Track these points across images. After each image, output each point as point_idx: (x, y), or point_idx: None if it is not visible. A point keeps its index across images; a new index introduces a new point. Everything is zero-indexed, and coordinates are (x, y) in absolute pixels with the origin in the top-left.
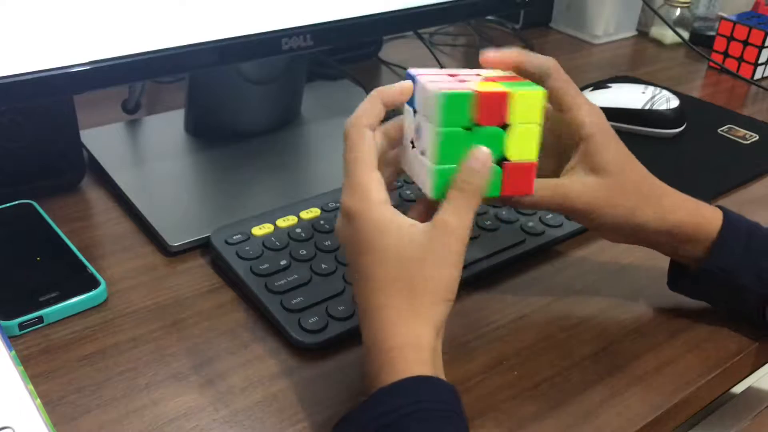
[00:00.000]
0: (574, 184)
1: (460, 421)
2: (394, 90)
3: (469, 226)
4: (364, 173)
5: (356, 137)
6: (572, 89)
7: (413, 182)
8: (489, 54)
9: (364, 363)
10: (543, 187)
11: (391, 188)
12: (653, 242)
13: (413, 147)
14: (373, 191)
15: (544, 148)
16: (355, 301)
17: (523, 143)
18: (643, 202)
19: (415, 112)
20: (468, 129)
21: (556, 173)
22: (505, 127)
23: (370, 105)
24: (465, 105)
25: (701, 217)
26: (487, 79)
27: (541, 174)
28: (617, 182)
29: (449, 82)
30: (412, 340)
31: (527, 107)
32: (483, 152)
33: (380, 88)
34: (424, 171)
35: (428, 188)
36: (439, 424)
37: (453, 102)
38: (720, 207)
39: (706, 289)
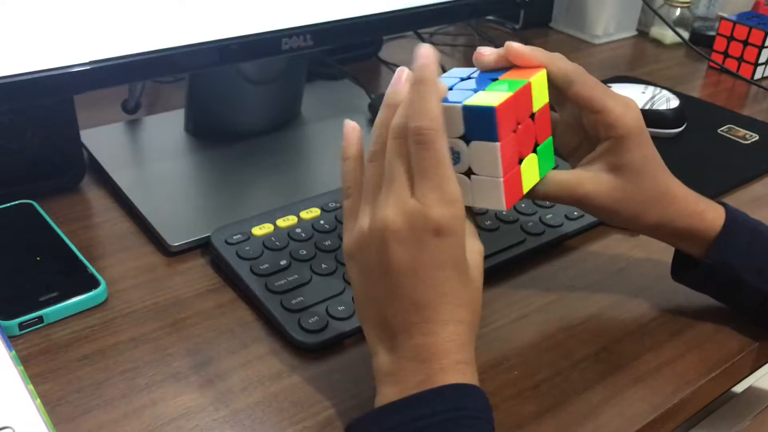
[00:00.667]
0: (588, 181)
1: (490, 428)
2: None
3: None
4: (454, 183)
5: (440, 142)
6: (600, 91)
7: None
8: (516, 47)
9: (400, 371)
10: (556, 180)
11: None
12: (659, 237)
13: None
14: (463, 209)
15: (570, 125)
16: (394, 312)
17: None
18: (653, 206)
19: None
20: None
21: (576, 149)
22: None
23: (437, 100)
24: (510, 114)
25: (703, 222)
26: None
27: (563, 149)
28: (632, 185)
29: (474, 92)
30: (472, 357)
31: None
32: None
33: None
34: (485, 188)
35: (501, 202)
36: (477, 430)
37: (506, 112)
38: (724, 204)
39: (707, 283)
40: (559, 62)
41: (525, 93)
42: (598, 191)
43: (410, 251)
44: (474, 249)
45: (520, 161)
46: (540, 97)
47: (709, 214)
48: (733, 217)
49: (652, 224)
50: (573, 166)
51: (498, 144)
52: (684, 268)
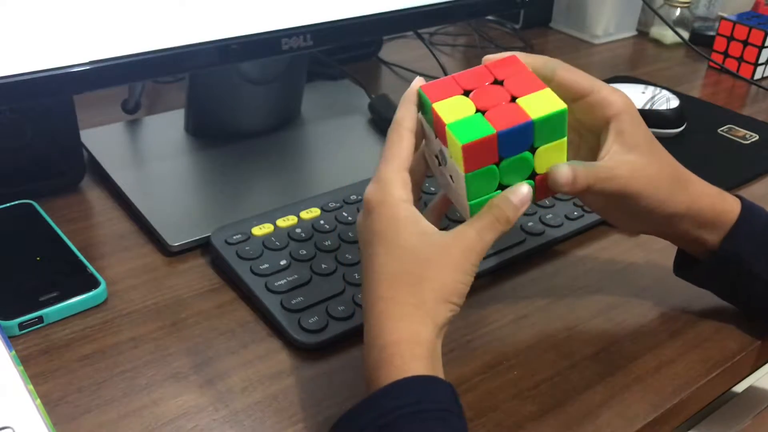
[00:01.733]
0: (621, 168)
1: (457, 420)
2: (414, 89)
3: (488, 246)
4: (390, 169)
5: (395, 137)
6: (585, 75)
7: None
8: (490, 58)
9: (364, 360)
10: (593, 174)
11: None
12: (674, 229)
13: (439, 164)
14: (396, 188)
15: (570, 130)
16: (360, 298)
17: (552, 157)
18: (676, 185)
19: (435, 134)
20: (495, 164)
21: (577, 150)
22: (533, 149)
23: (406, 110)
24: (488, 147)
25: (723, 203)
26: (499, 92)
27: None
28: (653, 162)
29: (462, 107)
30: (410, 335)
31: (552, 127)
32: (524, 191)
33: (407, 93)
34: (459, 199)
35: (466, 214)
36: (434, 425)
37: (475, 149)
38: (738, 196)
39: (715, 277)
40: (534, 60)
41: (516, 132)
42: (632, 172)
43: (360, 232)
44: (431, 227)
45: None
46: (550, 134)
47: (727, 198)
48: (749, 206)
49: (681, 207)
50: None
51: (467, 174)
52: (690, 262)
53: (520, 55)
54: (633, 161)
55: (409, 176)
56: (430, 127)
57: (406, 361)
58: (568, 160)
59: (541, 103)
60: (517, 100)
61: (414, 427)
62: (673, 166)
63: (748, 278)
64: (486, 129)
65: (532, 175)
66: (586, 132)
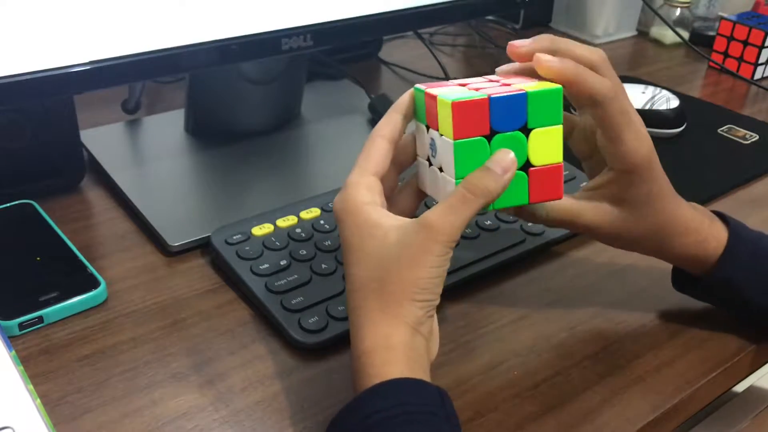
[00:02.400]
0: (589, 212)
1: (438, 421)
2: (405, 98)
3: (459, 229)
4: (354, 175)
5: (367, 144)
6: (619, 121)
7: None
8: (544, 59)
9: None
10: (557, 208)
11: (411, 210)
12: (658, 257)
13: (430, 165)
14: (358, 192)
15: (585, 132)
16: None
17: (547, 146)
18: (653, 236)
19: (428, 128)
20: (486, 137)
21: (590, 157)
22: (526, 131)
23: (389, 119)
24: (478, 112)
25: (707, 249)
26: (503, 85)
27: (577, 152)
28: (633, 218)
29: (460, 91)
30: (380, 341)
31: (547, 107)
32: (507, 157)
33: (397, 102)
34: (444, 187)
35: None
36: (410, 428)
37: (465, 109)
38: (726, 220)
39: (709, 297)
40: (590, 79)
41: (509, 100)
42: (599, 222)
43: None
44: (392, 224)
45: None
46: (544, 116)
47: (711, 243)
48: (735, 232)
49: (652, 251)
50: (585, 172)
51: (454, 141)
52: (685, 281)
53: (575, 66)
54: (607, 212)
55: (375, 179)
56: (423, 122)
57: (377, 368)
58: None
59: (537, 85)
60: (513, 84)
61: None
62: (661, 221)
63: (740, 302)
64: (478, 95)
65: (526, 167)
66: (597, 150)
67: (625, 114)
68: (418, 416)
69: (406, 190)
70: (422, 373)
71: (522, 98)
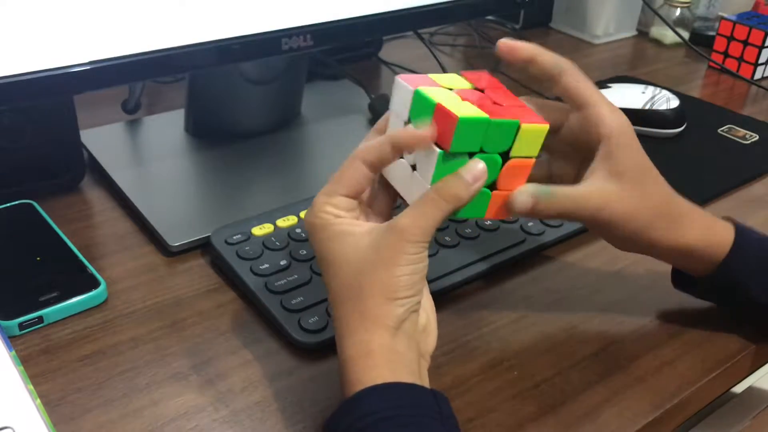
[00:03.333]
0: (592, 194)
1: (422, 420)
2: (407, 135)
3: (429, 229)
4: (322, 192)
5: (345, 163)
6: (590, 86)
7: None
8: (506, 42)
9: None
10: (559, 197)
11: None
12: (661, 257)
13: (402, 157)
14: (324, 208)
15: (564, 154)
16: None
17: (518, 173)
18: (660, 219)
19: (407, 122)
20: (471, 153)
21: (576, 179)
22: (505, 156)
23: (376, 143)
24: (479, 131)
25: (714, 237)
26: (494, 102)
27: (562, 181)
28: (637, 192)
29: (465, 104)
30: (360, 349)
31: (531, 140)
32: (479, 167)
33: (393, 133)
34: (414, 186)
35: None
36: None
37: (469, 127)
38: (732, 221)
39: (711, 296)
40: (548, 55)
41: (505, 127)
42: (606, 200)
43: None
44: (363, 230)
45: None
46: (527, 147)
47: (719, 231)
48: (741, 232)
49: (663, 239)
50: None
51: (437, 153)
52: (686, 280)
53: (534, 47)
54: (611, 190)
55: (345, 199)
56: (408, 118)
57: (359, 374)
58: (566, 173)
59: (527, 115)
60: (503, 104)
61: None
62: (663, 199)
63: (745, 301)
64: (482, 115)
65: (492, 186)
66: (584, 148)
67: (589, 81)
68: (405, 419)
69: (381, 193)
70: (407, 374)
71: (516, 128)
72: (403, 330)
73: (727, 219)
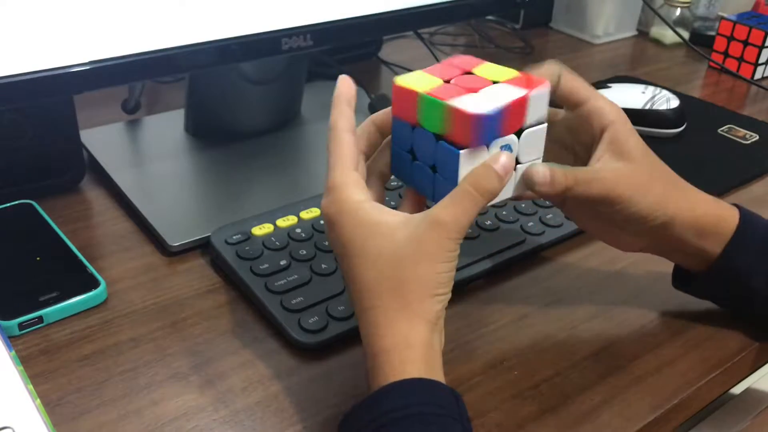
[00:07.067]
0: (606, 171)
1: (452, 423)
2: (344, 88)
3: (466, 226)
4: (337, 175)
5: (333, 143)
6: (583, 83)
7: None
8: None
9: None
10: (572, 175)
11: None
12: (670, 240)
13: (414, 159)
14: (348, 191)
15: (562, 147)
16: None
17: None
18: (673, 190)
19: (412, 125)
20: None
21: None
22: (519, 132)
23: (339, 112)
24: (497, 121)
25: (721, 210)
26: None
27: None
28: (646, 168)
29: (462, 91)
30: (400, 341)
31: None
32: (505, 159)
33: (336, 94)
34: (440, 184)
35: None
36: (424, 428)
37: (490, 122)
38: (737, 205)
39: (713, 289)
40: (538, 69)
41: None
42: (619, 178)
43: (331, 245)
44: (397, 221)
45: None
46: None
47: (725, 208)
48: (747, 215)
49: (677, 212)
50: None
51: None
52: (687, 277)
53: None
54: (620, 167)
55: (358, 175)
56: (408, 118)
57: (395, 366)
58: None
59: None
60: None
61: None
62: (667, 174)
63: (746, 292)
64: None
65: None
66: (580, 147)
67: (583, 82)
68: (431, 417)
69: (371, 177)
70: (438, 373)
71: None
72: (439, 327)
73: (732, 203)
